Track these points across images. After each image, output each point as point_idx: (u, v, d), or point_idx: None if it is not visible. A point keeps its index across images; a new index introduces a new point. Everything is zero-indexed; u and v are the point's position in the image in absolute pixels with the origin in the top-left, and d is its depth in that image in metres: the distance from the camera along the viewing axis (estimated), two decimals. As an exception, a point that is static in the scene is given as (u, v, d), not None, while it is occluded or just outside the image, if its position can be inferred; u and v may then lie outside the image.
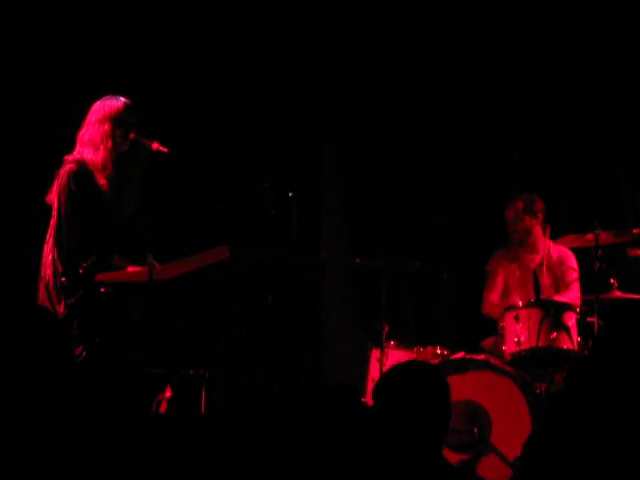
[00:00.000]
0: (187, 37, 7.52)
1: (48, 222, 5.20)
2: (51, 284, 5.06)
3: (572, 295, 7.08)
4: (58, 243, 5.08)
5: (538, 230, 7.27)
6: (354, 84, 8.15)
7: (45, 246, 5.16)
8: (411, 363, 4.07)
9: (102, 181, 5.20)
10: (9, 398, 3.18)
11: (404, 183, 8.35)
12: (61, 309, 5.00)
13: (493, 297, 7.27)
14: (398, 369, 3.80)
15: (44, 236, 5.21)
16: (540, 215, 7.24)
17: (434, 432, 3.58)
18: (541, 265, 7.17)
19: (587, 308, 6.69)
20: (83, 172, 5.15)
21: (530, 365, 6.52)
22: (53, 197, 5.16)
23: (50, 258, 5.09)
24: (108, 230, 5.20)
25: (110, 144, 5.21)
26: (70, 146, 5.31)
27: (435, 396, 3.64)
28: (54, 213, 5.13)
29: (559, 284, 7.24)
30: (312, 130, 8.09)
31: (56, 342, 3.32)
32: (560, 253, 7.28)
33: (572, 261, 7.25)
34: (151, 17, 7.36)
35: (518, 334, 6.51)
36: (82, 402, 3.69)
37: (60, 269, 5.04)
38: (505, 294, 7.25)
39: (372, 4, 8.06)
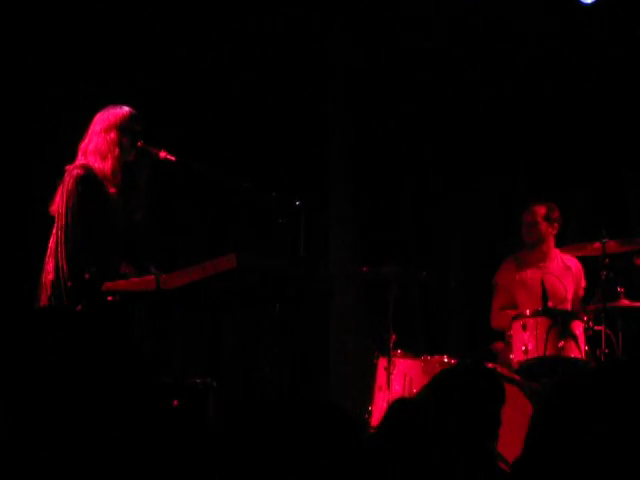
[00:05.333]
0: (198, 47, 7.54)
1: (46, 232, 5.19)
2: (51, 291, 5.04)
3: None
4: (64, 247, 5.04)
5: (551, 239, 7.30)
6: (364, 93, 8.16)
7: (47, 254, 5.14)
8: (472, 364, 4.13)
9: (111, 190, 5.20)
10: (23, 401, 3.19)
11: (412, 192, 8.35)
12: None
13: (501, 308, 7.28)
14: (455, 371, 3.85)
15: (42, 245, 5.20)
16: (556, 225, 7.28)
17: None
18: (551, 274, 7.17)
19: (594, 317, 6.69)
20: (91, 177, 5.15)
21: (538, 374, 6.52)
22: (57, 206, 5.15)
23: (52, 265, 5.07)
24: (115, 237, 5.21)
25: (117, 152, 5.21)
26: (68, 156, 5.31)
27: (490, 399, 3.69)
28: (59, 219, 5.10)
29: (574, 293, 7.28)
30: (321, 140, 8.10)
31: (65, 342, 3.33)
32: (575, 264, 7.32)
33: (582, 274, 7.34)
34: (161, 29, 7.37)
35: (526, 343, 6.51)
36: (88, 412, 3.69)
37: (67, 274, 5.02)
38: (516, 304, 7.25)
39: (384, 15, 8.08)
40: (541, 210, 7.26)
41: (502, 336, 7.03)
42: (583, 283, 7.37)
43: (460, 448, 3.54)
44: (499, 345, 7.06)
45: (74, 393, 3.46)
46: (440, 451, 3.47)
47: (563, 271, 7.27)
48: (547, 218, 7.26)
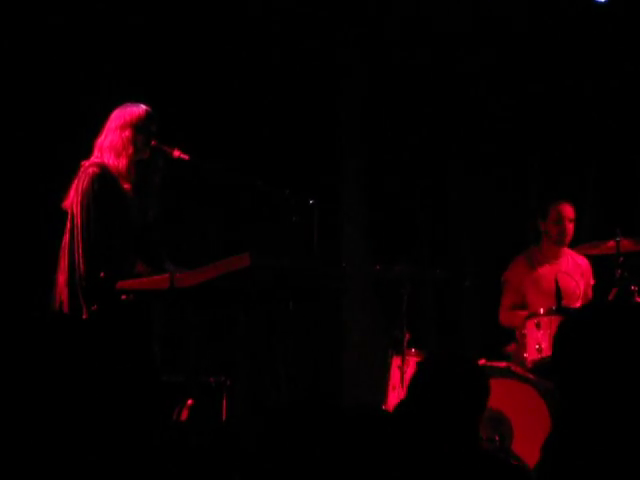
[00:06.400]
0: (209, 45, 7.54)
1: (60, 227, 5.19)
2: (66, 290, 5.05)
3: None
4: (80, 246, 5.05)
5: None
6: (377, 92, 8.16)
7: (61, 251, 5.15)
8: (446, 355, 4.09)
9: (126, 186, 5.22)
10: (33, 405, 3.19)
11: (424, 190, 8.35)
12: (84, 315, 5.00)
13: (511, 306, 7.27)
14: (433, 360, 3.85)
15: (55, 240, 5.21)
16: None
17: (470, 417, 3.61)
18: (564, 272, 7.15)
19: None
20: (106, 175, 5.16)
21: (552, 372, 6.49)
22: (70, 201, 5.15)
23: (66, 263, 5.08)
24: (130, 235, 5.21)
25: (131, 150, 5.22)
26: (84, 152, 5.32)
27: (472, 383, 3.69)
28: (75, 217, 5.10)
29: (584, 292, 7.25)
30: (333, 138, 8.09)
31: (79, 346, 3.33)
32: (584, 261, 7.29)
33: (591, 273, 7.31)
34: (174, 27, 7.38)
35: (539, 341, 6.50)
36: (103, 409, 3.70)
37: (83, 273, 5.03)
38: (526, 302, 7.23)
39: (389, 16, 8.08)
40: (572, 210, 7.21)
41: (514, 337, 7.02)
42: (592, 281, 7.34)
43: (446, 441, 3.55)
44: (512, 348, 7.04)
45: (83, 396, 3.47)
46: (427, 446, 3.49)
47: (575, 269, 7.25)
48: (574, 219, 7.24)
